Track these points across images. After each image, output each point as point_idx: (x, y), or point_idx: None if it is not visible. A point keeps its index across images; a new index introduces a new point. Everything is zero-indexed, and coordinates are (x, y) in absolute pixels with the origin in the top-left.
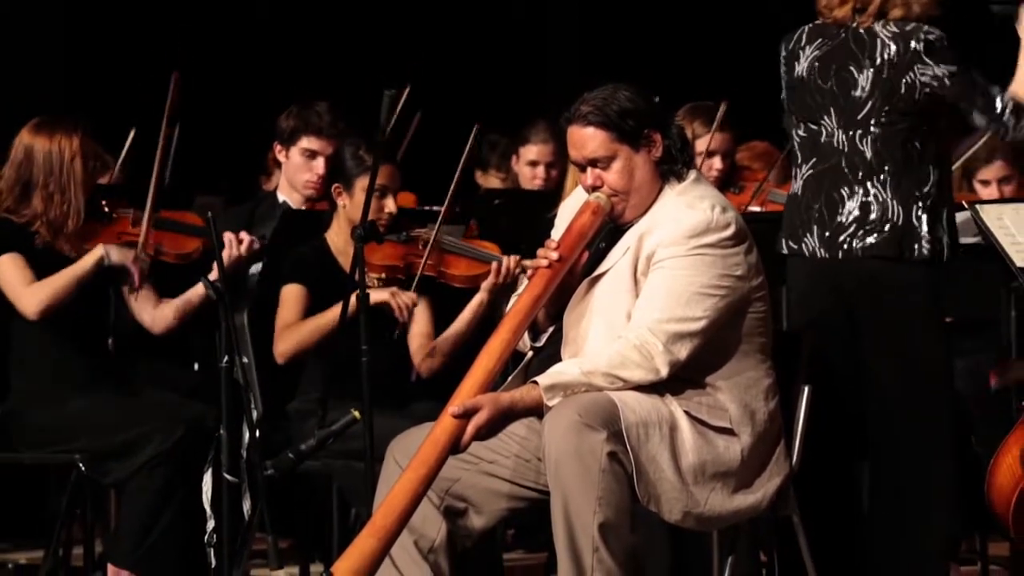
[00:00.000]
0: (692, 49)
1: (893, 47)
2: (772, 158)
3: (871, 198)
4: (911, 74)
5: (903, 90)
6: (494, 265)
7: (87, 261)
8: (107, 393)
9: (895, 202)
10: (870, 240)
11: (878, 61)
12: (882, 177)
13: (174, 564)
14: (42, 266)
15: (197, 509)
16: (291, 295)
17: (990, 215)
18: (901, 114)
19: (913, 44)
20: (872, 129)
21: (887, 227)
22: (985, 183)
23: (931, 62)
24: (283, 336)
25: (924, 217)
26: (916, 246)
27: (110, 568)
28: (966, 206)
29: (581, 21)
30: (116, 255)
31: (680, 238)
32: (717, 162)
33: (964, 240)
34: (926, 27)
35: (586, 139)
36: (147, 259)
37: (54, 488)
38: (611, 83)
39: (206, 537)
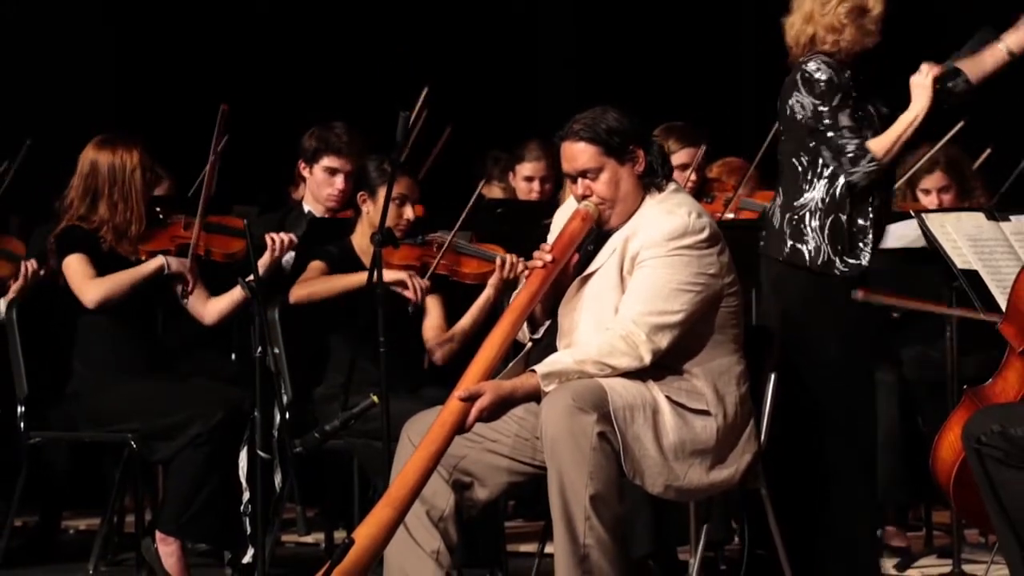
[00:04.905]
0: (673, 74)
1: (789, 75)
2: (744, 171)
3: (773, 205)
4: (791, 99)
5: (788, 112)
6: (498, 261)
7: (149, 267)
8: (156, 379)
9: (780, 211)
10: (763, 242)
11: (783, 86)
12: (779, 189)
13: (214, 531)
14: (106, 268)
15: (234, 483)
16: (315, 266)
17: (934, 223)
18: (789, 132)
19: (796, 73)
20: (780, 147)
21: (770, 231)
22: (926, 192)
23: (804, 92)
24: (302, 285)
25: (791, 227)
26: (784, 251)
27: (158, 534)
28: (913, 215)
29: (577, 46)
30: (175, 265)
31: (660, 241)
32: (690, 175)
33: (915, 245)
34: (813, 60)
35: (577, 153)
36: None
37: (109, 463)
38: (600, 105)
39: (242, 507)
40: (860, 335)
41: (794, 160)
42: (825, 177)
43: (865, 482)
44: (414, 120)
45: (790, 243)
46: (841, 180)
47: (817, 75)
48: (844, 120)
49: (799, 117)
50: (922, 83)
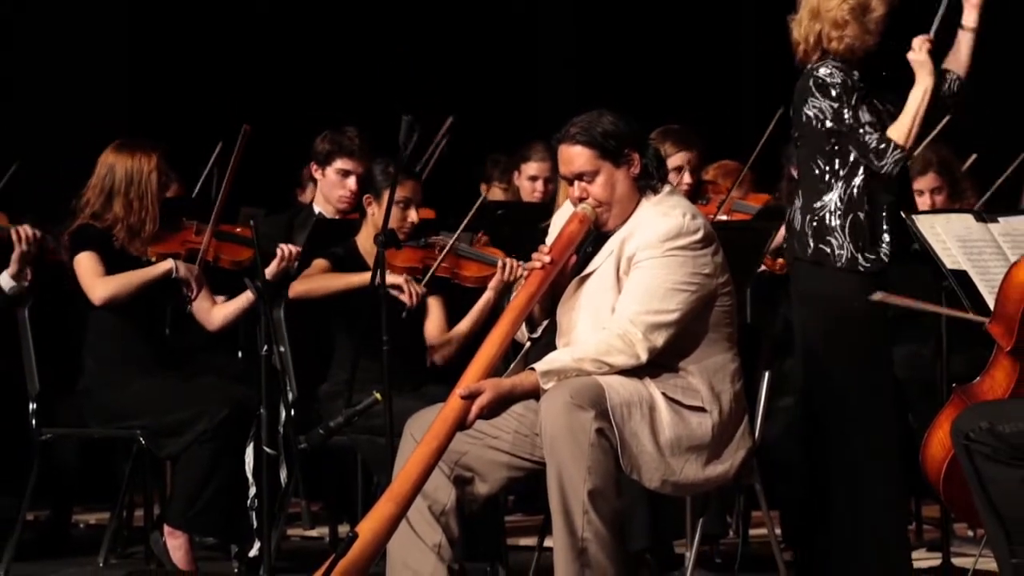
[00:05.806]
0: (672, 76)
1: (800, 82)
2: (739, 174)
3: (793, 209)
4: (806, 106)
5: (804, 119)
6: (499, 264)
7: (157, 269)
8: (165, 377)
9: (800, 213)
10: (786, 244)
11: (795, 94)
12: (799, 192)
13: (221, 525)
14: (116, 266)
15: (241, 478)
16: (318, 264)
17: (924, 224)
18: (805, 138)
19: (808, 80)
20: (796, 153)
21: (792, 234)
22: (919, 192)
23: (819, 96)
24: (303, 280)
25: (812, 228)
26: (808, 251)
27: (166, 528)
28: (903, 217)
29: (577, 46)
30: (183, 270)
31: (656, 242)
32: (686, 177)
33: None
34: (823, 65)
35: (574, 156)
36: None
37: (119, 459)
38: (599, 106)
39: (248, 502)
40: (884, 331)
41: (811, 164)
42: (842, 178)
43: (893, 478)
44: (433, 146)
45: (813, 243)
46: (857, 180)
47: (830, 79)
48: (865, 116)
49: (816, 123)
50: (919, 58)
